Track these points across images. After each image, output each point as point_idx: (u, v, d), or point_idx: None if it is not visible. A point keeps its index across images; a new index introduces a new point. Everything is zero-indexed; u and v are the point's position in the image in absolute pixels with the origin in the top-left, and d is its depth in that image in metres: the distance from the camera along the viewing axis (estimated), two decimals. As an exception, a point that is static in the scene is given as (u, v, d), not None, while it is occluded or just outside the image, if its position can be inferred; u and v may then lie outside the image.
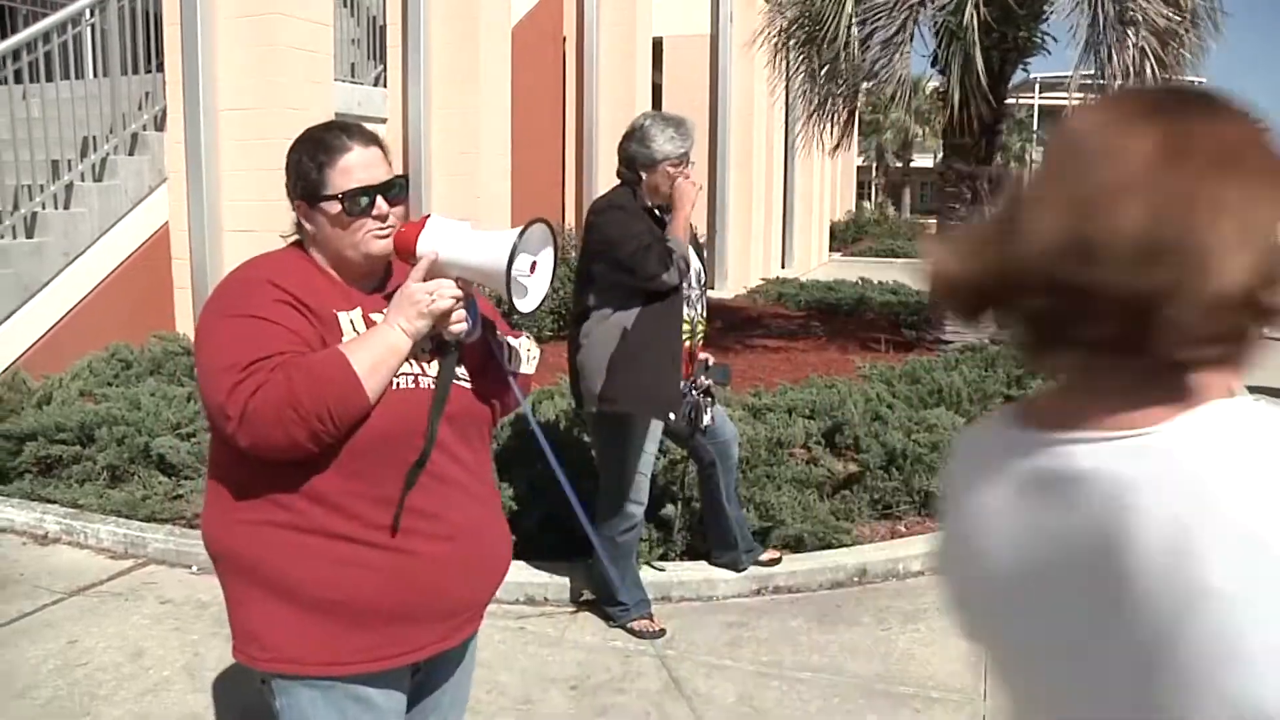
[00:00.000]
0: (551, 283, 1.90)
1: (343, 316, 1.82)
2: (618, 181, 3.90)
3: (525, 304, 1.85)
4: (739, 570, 4.36)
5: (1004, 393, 6.87)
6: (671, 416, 3.78)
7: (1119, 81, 8.01)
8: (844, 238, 30.57)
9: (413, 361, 1.81)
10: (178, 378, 6.50)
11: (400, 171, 1.95)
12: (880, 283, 13.88)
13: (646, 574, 4.30)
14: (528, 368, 2.00)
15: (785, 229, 21.18)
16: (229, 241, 7.84)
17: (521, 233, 1.78)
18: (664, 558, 4.44)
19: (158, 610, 4.20)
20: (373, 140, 1.88)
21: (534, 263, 1.86)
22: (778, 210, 20.29)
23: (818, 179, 24.68)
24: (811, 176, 23.57)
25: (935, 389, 6.46)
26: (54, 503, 5.15)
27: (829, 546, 4.65)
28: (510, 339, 1.98)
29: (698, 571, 4.38)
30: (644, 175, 3.72)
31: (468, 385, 1.88)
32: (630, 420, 3.75)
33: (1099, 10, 8.04)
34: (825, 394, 5.94)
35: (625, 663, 3.77)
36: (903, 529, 4.99)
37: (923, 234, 30.62)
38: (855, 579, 4.54)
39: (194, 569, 4.60)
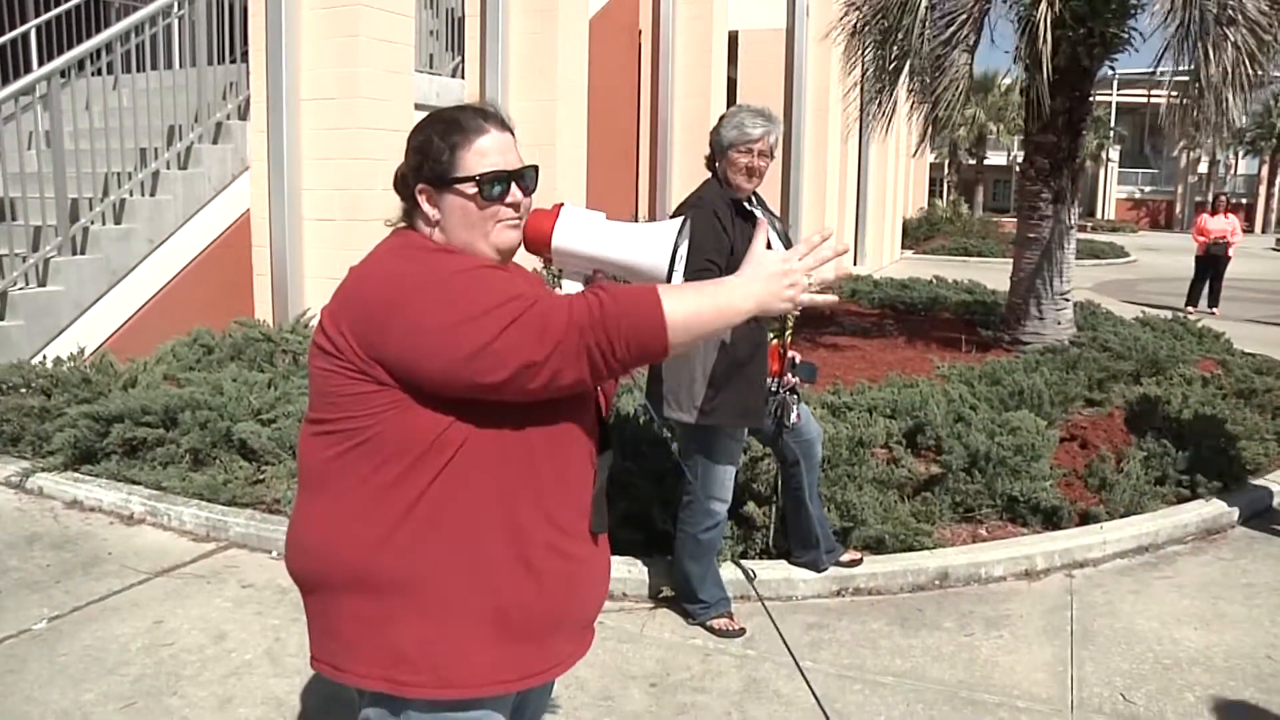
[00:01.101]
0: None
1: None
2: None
3: None
4: (819, 570, 4.30)
5: (1086, 395, 6.72)
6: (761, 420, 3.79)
7: (1217, 81, 7.76)
8: (916, 235, 30.17)
9: None
10: (258, 363, 6.59)
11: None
12: (955, 281, 13.65)
13: (726, 572, 4.25)
14: None
15: (858, 226, 20.96)
16: (308, 230, 7.94)
17: (680, 229, 1.73)
18: (744, 556, 4.39)
19: (239, 594, 4.25)
20: (507, 125, 1.79)
21: (683, 255, 1.81)
22: (851, 207, 20.08)
23: (891, 175, 24.39)
24: (885, 173, 23.30)
25: (1016, 390, 6.32)
26: (139, 484, 5.24)
27: (910, 549, 4.57)
28: None
29: (778, 571, 4.33)
30: (719, 162, 3.76)
31: None
32: (726, 426, 3.72)
33: (1197, 9, 7.79)
34: (906, 393, 5.84)
35: (705, 661, 3.73)
36: (984, 533, 4.88)
37: (997, 232, 30.16)
38: (936, 582, 4.46)
39: (274, 554, 4.65)
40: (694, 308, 1.62)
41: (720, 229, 3.59)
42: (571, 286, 1.79)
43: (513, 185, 1.75)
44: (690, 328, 1.61)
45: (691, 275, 3.42)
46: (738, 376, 3.63)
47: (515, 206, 1.76)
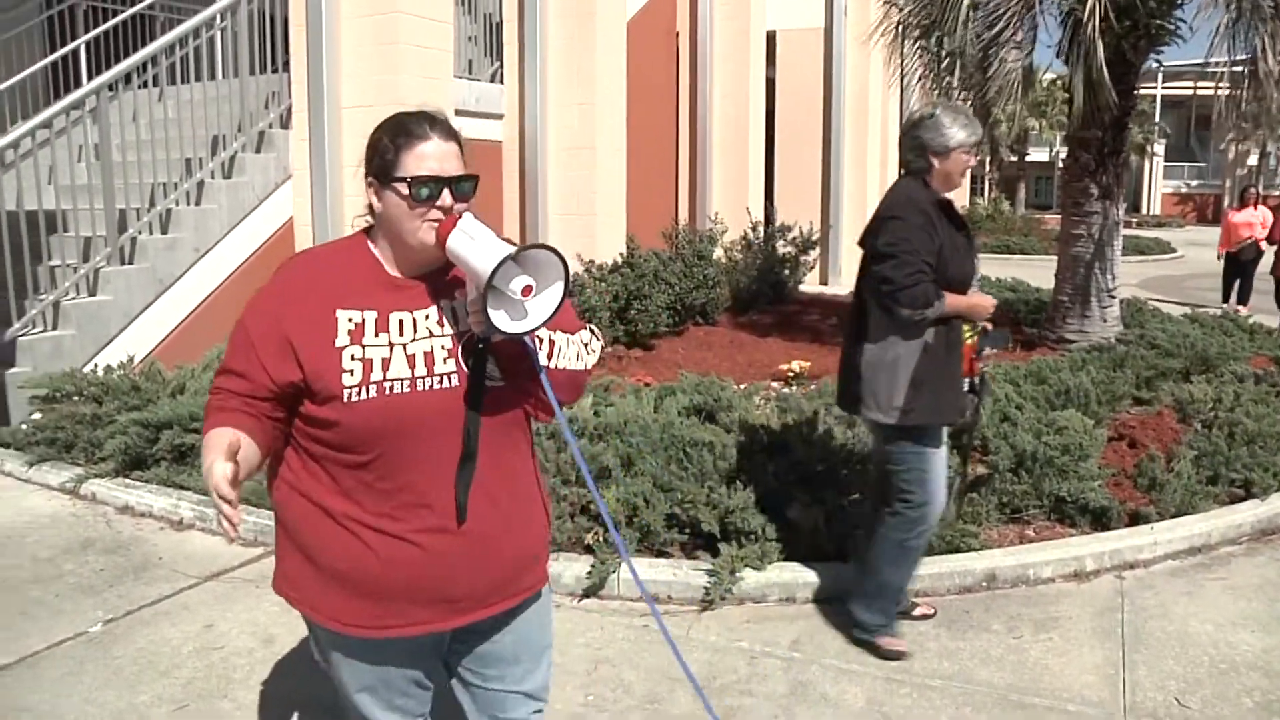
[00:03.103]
0: (550, 318, 1.86)
1: (342, 314, 1.92)
2: (902, 173, 3.82)
3: (511, 324, 1.82)
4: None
5: (1133, 394, 6.63)
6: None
7: (1275, 71, 7.62)
8: (957, 233, 29.86)
9: (431, 357, 1.92)
10: (303, 370, 6.64)
11: (474, 173, 1.97)
12: (998, 279, 13.51)
13: (772, 574, 4.24)
14: (575, 363, 2.01)
15: (898, 225, 20.79)
16: (351, 237, 7.99)
17: (522, 249, 1.80)
18: (789, 558, 4.36)
19: (287, 597, 4.29)
20: (452, 136, 1.93)
21: (528, 286, 1.82)
22: (890, 206, 19.93)
23: (931, 174, 24.18)
24: (925, 171, 23.10)
25: (1063, 389, 6.24)
26: (188, 489, 5.31)
27: (956, 550, 4.52)
28: (558, 334, 1.98)
29: (825, 573, 4.29)
30: (936, 163, 3.62)
31: (500, 384, 1.96)
32: (928, 425, 3.64)
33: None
34: (950, 393, 5.78)
35: (751, 664, 3.71)
36: (1031, 534, 4.83)
37: (1039, 229, 29.83)
38: (984, 584, 4.41)
39: (321, 558, 4.69)
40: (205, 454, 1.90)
41: (932, 230, 3.54)
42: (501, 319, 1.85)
43: (445, 191, 1.88)
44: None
45: (907, 277, 3.44)
46: (938, 375, 3.57)
47: (444, 210, 1.89)
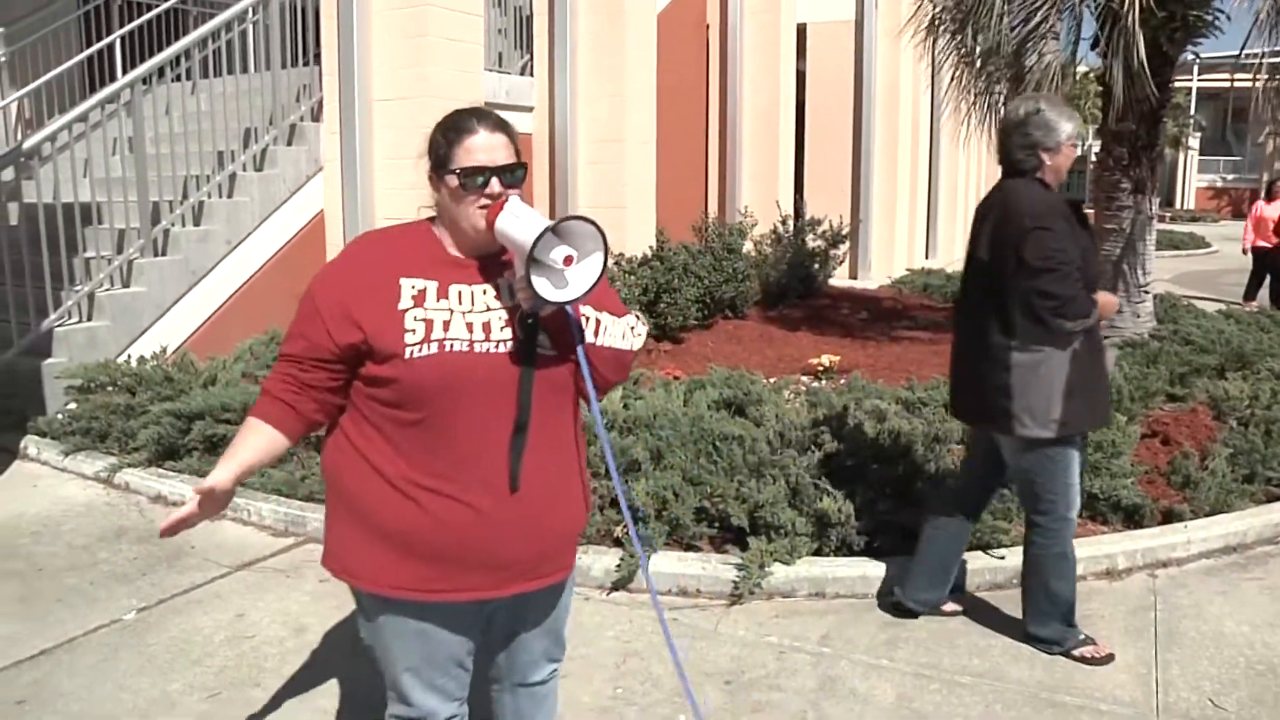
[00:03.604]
0: (593, 286, 1.98)
1: (405, 282, 2.06)
2: (1001, 174, 3.74)
3: (555, 293, 1.95)
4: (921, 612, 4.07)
5: (1166, 390, 6.56)
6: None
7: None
8: (988, 228, 29.65)
9: (488, 325, 2.05)
10: (334, 362, 6.68)
11: (523, 160, 2.13)
12: (1030, 274, 13.43)
13: (801, 569, 4.23)
14: (621, 343, 2.16)
15: (930, 219, 20.68)
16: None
17: (560, 220, 1.93)
18: (818, 553, 4.35)
19: (317, 588, 4.32)
20: (500, 127, 2.10)
21: (570, 256, 1.95)
22: (922, 199, 19.82)
23: (962, 168, 24.02)
24: (956, 165, 22.95)
25: (1096, 385, 6.17)
26: (220, 480, 5.34)
27: (986, 547, 4.49)
28: (606, 315, 2.14)
29: (854, 568, 4.28)
30: (1048, 159, 3.55)
31: (550, 352, 2.09)
32: (1071, 436, 3.59)
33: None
34: (981, 389, 5.74)
35: (780, 659, 3.70)
36: (1064, 531, 4.78)
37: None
38: (1014, 581, 4.33)
39: (351, 548, 4.72)
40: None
41: (1072, 236, 3.49)
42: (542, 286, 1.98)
43: (494, 179, 2.04)
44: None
45: (1070, 290, 3.38)
46: (1087, 381, 3.53)
47: (493, 197, 2.05)
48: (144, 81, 7.21)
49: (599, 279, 1.98)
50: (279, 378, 2.12)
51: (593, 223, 1.97)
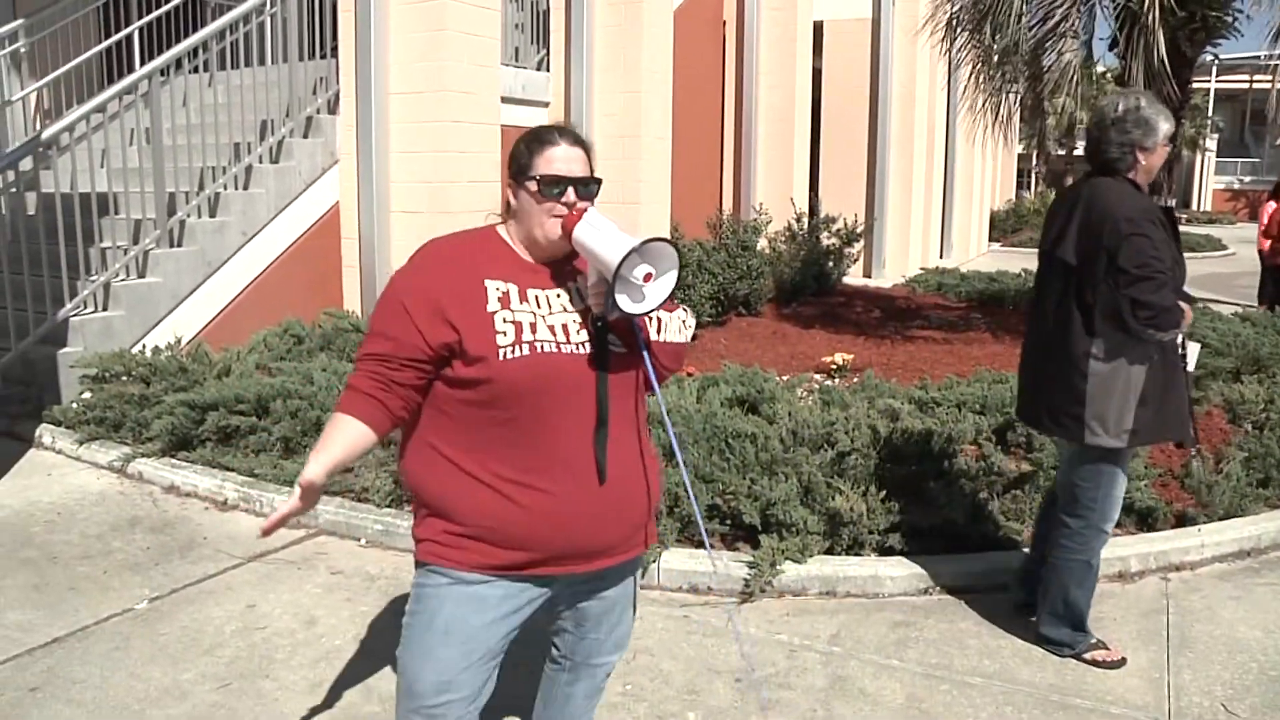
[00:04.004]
0: (664, 301, 2.11)
1: (490, 284, 2.15)
2: (1084, 171, 3.68)
3: (632, 306, 2.07)
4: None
5: (1184, 393, 6.51)
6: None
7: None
8: (1004, 228, 29.62)
9: (566, 328, 2.15)
10: (347, 354, 6.70)
11: (599, 176, 2.25)
12: (1045, 275, 13.36)
13: (813, 567, 4.22)
14: (679, 336, 2.31)
15: (944, 218, 20.62)
16: (396, 222, 8.05)
17: (645, 241, 2.03)
18: (830, 551, 4.34)
19: (329, 580, 4.33)
20: (579, 143, 2.22)
21: (649, 273, 2.07)
22: (937, 198, 19.77)
23: (978, 167, 23.95)
24: (971, 164, 22.89)
25: (1111, 387, 6.14)
26: (232, 470, 5.37)
27: (999, 547, 4.48)
28: (662, 312, 2.27)
29: (865, 567, 4.27)
30: (1143, 159, 3.47)
31: (621, 351, 2.20)
32: (1128, 450, 3.56)
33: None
34: (996, 389, 5.72)
35: (790, 657, 3.69)
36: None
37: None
38: (1027, 583, 4.36)
39: (362, 541, 4.74)
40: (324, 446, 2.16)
41: (1166, 243, 3.42)
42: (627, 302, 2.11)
43: (570, 189, 2.16)
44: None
45: (1166, 300, 3.31)
46: (1162, 391, 3.47)
47: (569, 206, 2.16)
48: (162, 73, 7.22)
49: (670, 295, 2.11)
50: (366, 375, 2.16)
51: (672, 243, 2.09)
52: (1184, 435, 3.62)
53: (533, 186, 2.16)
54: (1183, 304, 3.43)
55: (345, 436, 2.15)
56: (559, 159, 2.17)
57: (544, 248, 2.20)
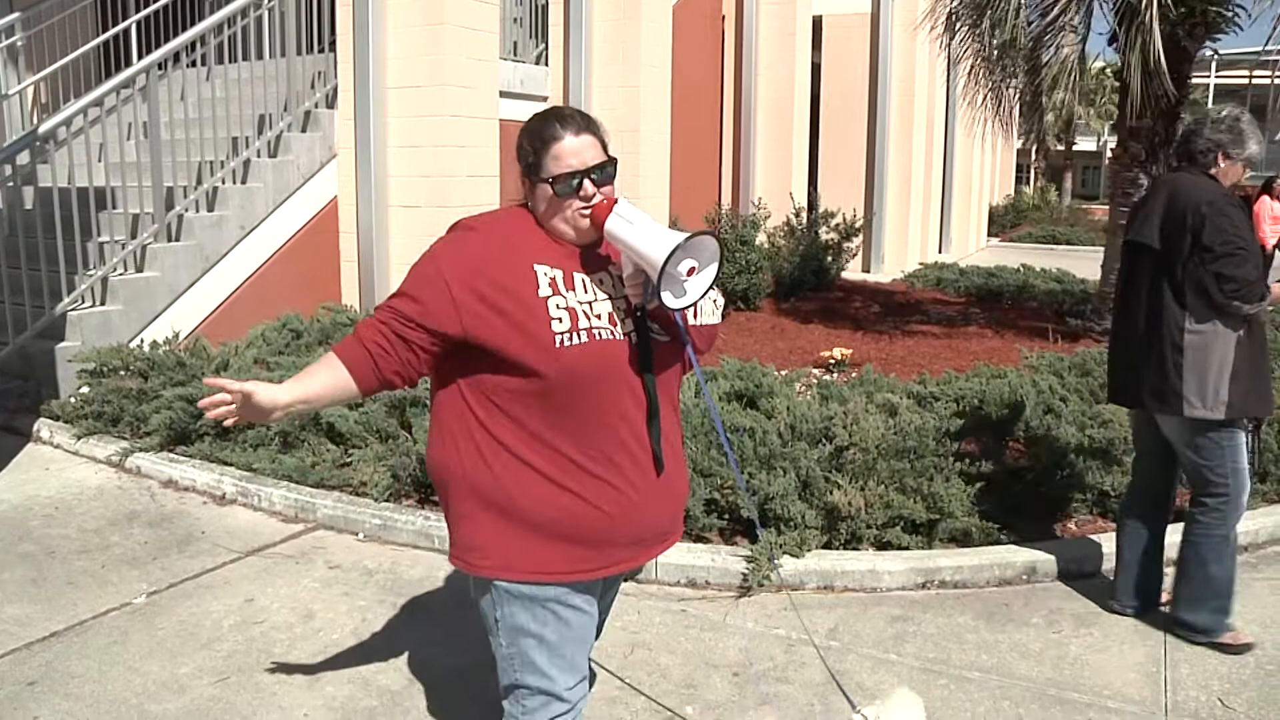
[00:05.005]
0: (706, 292, 2.08)
1: (539, 268, 2.08)
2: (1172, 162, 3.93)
3: (675, 301, 2.03)
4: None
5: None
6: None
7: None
8: (1002, 223, 29.60)
9: (613, 316, 2.09)
10: (345, 348, 6.68)
11: (613, 155, 2.16)
12: (1043, 270, 13.37)
13: (810, 562, 4.22)
14: (713, 318, 2.27)
15: (943, 213, 20.62)
16: (395, 216, 8.04)
17: (689, 238, 1.98)
18: (828, 546, 4.34)
19: (326, 574, 4.33)
20: (585, 127, 2.11)
21: (693, 268, 2.03)
22: (936, 193, 19.77)
23: (977, 162, 23.94)
24: (970, 159, 22.88)
25: (1107, 383, 6.14)
26: (231, 465, 5.37)
27: (997, 542, 4.48)
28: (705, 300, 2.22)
29: (862, 561, 4.28)
30: (1223, 165, 3.71)
31: (663, 339, 2.17)
32: (1238, 420, 3.68)
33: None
34: (994, 384, 5.72)
35: (788, 652, 3.70)
36: (1074, 527, 4.77)
37: (1086, 220, 29.41)
38: (1024, 577, 4.36)
39: (360, 535, 4.74)
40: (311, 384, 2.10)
41: (1244, 220, 3.64)
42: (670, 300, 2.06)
43: (585, 181, 2.08)
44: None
45: (1251, 273, 3.50)
46: (1251, 366, 3.64)
47: (587, 199, 2.09)
48: (159, 67, 7.21)
49: (708, 289, 2.07)
50: (374, 325, 2.09)
51: (715, 235, 2.05)
52: (1268, 412, 3.77)
53: (547, 190, 2.09)
54: (1275, 285, 3.63)
55: (326, 378, 2.09)
56: (568, 152, 2.07)
57: (571, 240, 2.14)
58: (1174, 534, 3.97)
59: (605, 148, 2.13)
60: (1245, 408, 3.64)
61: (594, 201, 2.09)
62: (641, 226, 2.02)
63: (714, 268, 2.06)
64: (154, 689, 3.37)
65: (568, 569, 2.11)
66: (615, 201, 2.07)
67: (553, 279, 2.07)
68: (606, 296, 2.12)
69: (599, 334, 2.05)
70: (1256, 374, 3.66)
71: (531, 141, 2.11)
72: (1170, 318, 3.65)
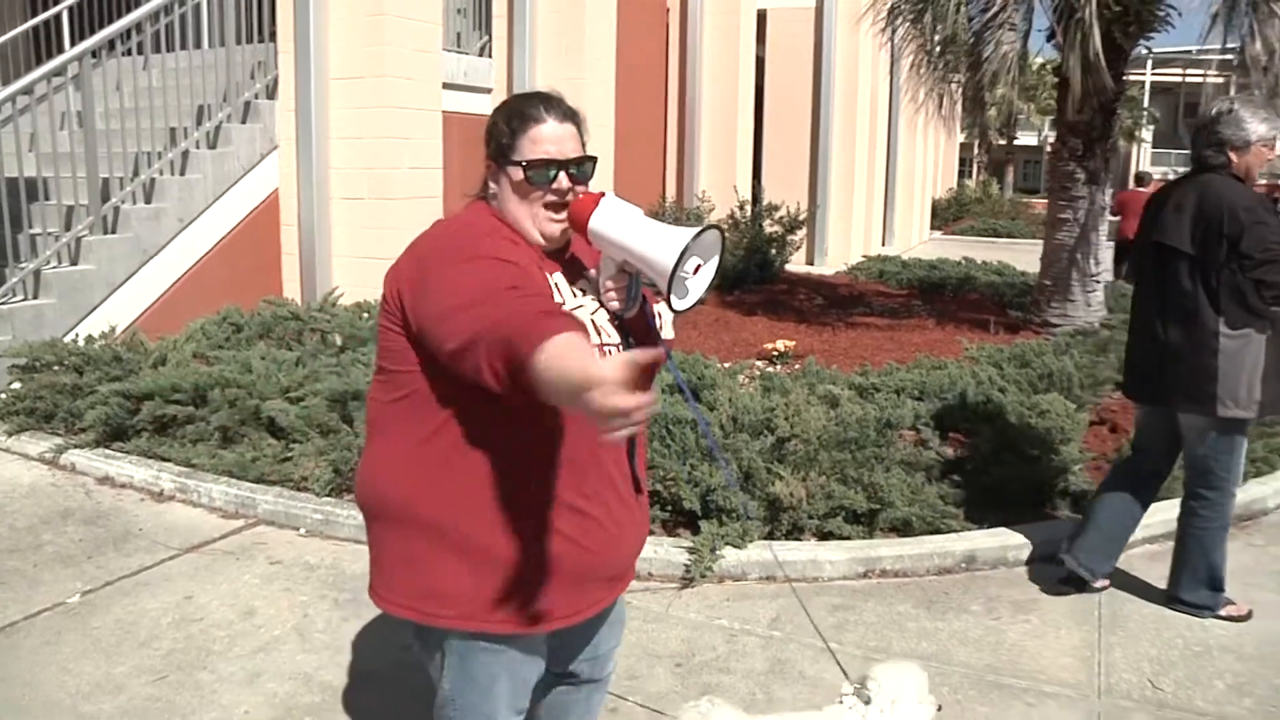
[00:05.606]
0: (708, 289, 1.91)
1: (548, 276, 1.89)
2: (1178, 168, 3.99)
3: (681, 303, 1.86)
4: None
5: (1116, 379, 6.65)
6: None
7: (1263, 59, 7.64)
8: (945, 216, 29.96)
9: (597, 324, 1.91)
10: (286, 342, 6.62)
11: (593, 153, 1.96)
12: (984, 262, 13.55)
13: (753, 552, 4.25)
14: (669, 333, 2.08)
15: (887, 206, 20.82)
16: (336, 209, 7.96)
17: (696, 236, 1.79)
18: (770, 536, 4.38)
19: (268, 570, 4.29)
20: (570, 117, 1.92)
21: (699, 265, 1.87)
22: (879, 186, 19.95)
23: (920, 156, 24.19)
24: (913, 153, 23.11)
25: (1046, 373, 6.26)
26: (169, 461, 5.29)
27: (937, 531, 4.55)
28: (659, 305, 2.05)
29: (803, 552, 4.32)
30: (1235, 158, 3.73)
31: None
32: (1248, 421, 3.81)
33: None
34: (934, 375, 5.81)
35: (730, 642, 3.73)
36: (1012, 516, 4.84)
37: (1027, 213, 29.85)
38: (963, 565, 4.43)
39: (301, 531, 4.69)
40: (561, 366, 1.45)
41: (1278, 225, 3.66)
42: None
43: (561, 174, 1.87)
44: (549, 381, 1.46)
45: (1276, 273, 3.53)
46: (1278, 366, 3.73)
47: (560, 193, 1.88)
48: (93, 55, 7.06)
49: (709, 285, 1.91)
50: (526, 299, 1.66)
51: (720, 229, 1.89)
52: None
53: (517, 174, 1.87)
54: None
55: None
56: (547, 138, 1.86)
57: (536, 241, 1.93)
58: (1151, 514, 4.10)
59: (585, 145, 1.94)
60: (1273, 405, 3.77)
61: (567, 199, 1.89)
62: (639, 225, 1.84)
63: (714, 263, 1.89)
64: (89, 689, 3.31)
65: (543, 616, 1.88)
66: (601, 197, 1.88)
67: (557, 285, 1.90)
68: (596, 304, 1.94)
69: (608, 350, 1.86)
70: None
71: (509, 120, 1.90)
72: (1205, 321, 3.70)
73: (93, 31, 7.56)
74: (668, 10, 13.13)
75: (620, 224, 1.85)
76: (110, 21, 7.52)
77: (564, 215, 1.90)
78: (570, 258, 1.98)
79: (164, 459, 5.32)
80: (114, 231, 7.14)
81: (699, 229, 1.82)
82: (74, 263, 6.93)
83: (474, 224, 1.90)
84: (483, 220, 1.91)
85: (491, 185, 1.94)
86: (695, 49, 13.29)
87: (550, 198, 1.88)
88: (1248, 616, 3.96)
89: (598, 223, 1.85)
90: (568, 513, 1.86)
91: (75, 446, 5.51)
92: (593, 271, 1.97)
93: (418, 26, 7.96)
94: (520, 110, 1.90)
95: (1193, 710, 3.33)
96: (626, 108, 10.97)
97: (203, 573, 4.25)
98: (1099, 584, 4.17)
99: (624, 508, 1.96)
